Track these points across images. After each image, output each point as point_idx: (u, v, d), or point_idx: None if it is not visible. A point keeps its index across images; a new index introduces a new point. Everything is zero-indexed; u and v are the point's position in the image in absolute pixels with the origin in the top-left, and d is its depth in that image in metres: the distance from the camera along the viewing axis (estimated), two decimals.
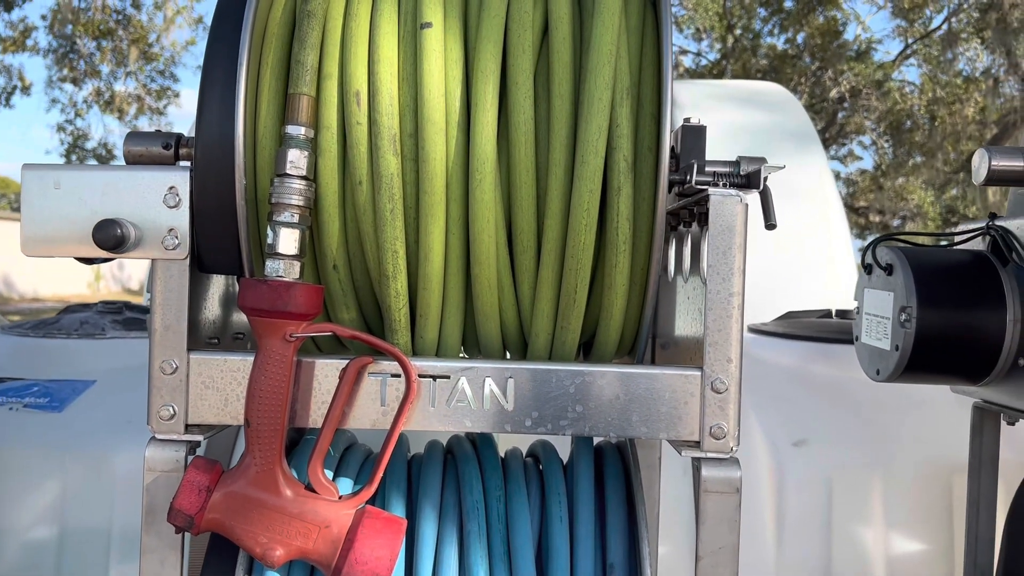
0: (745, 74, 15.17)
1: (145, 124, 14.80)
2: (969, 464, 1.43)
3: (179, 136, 1.06)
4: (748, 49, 15.41)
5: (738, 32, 15.40)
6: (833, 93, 14.40)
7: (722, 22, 15.07)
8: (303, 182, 0.94)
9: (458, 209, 0.97)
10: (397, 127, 0.95)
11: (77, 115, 14.73)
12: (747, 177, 1.02)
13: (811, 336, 2.07)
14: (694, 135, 1.05)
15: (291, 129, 0.95)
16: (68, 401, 1.82)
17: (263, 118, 0.98)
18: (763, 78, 15.05)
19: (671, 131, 1.00)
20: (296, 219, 0.94)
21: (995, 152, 1.21)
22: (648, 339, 1.09)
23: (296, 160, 0.94)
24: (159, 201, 0.98)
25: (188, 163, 1.04)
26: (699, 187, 1.00)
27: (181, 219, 0.98)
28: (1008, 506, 1.38)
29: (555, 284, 1.00)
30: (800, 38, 14.98)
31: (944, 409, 1.72)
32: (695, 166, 1.01)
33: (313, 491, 0.96)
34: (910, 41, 14.45)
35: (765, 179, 1.03)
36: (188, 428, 0.99)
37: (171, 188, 0.98)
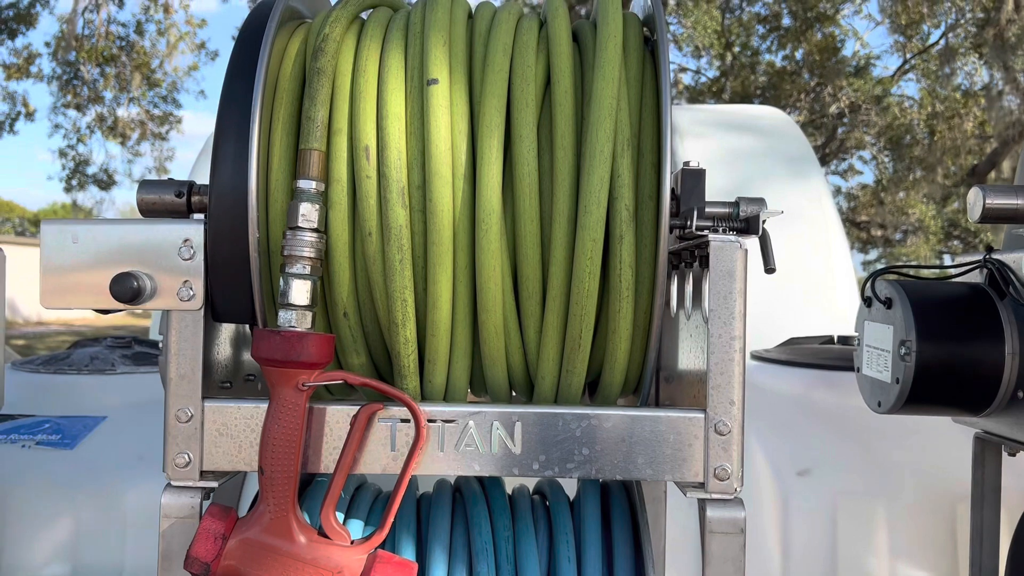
0: (744, 91, 15.25)
1: (147, 149, 14.90)
2: (972, 494, 1.45)
3: (191, 184, 1.09)
4: (747, 66, 15.50)
5: (736, 50, 15.49)
6: (832, 109, 14.46)
7: (720, 40, 15.16)
8: (314, 234, 0.97)
9: (465, 258, 1.00)
10: (405, 180, 0.98)
11: (80, 141, 14.83)
12: (746, 222, 1.05)
13: (814, 363, 2.09)
14: (694, 178, 1.08)
15: (302, 183, 0.97)
16: (80, 438, 1.84)
17: (275, 172, 1.01)
18: (762, 94, 15.14)
19: (671, 176, 1.03)
20: (308, 270, 0.97)
21: (989, 191, 1.23)
22: (652, 378, 1.12)
23: (307, 213, 0.97)
24: (174, 253, 1.01)
25: (201, 215, 1.07)
26: (699, 232, 1.03)
27: (196, 271, 1.01)
28: (1011, 535, 1.39)
29: (560, 329, 1.02)
30: (799, 54, 15.07)
31: (948, 437, 1.73)
32: (695, 211, 1.04)
33: (326, 536, 0.97)
34: (908, 56, 14.53)
35: (763, 223, 1.05)
36: (203, 475, 1.01)
37: (186, 240, 1.01)
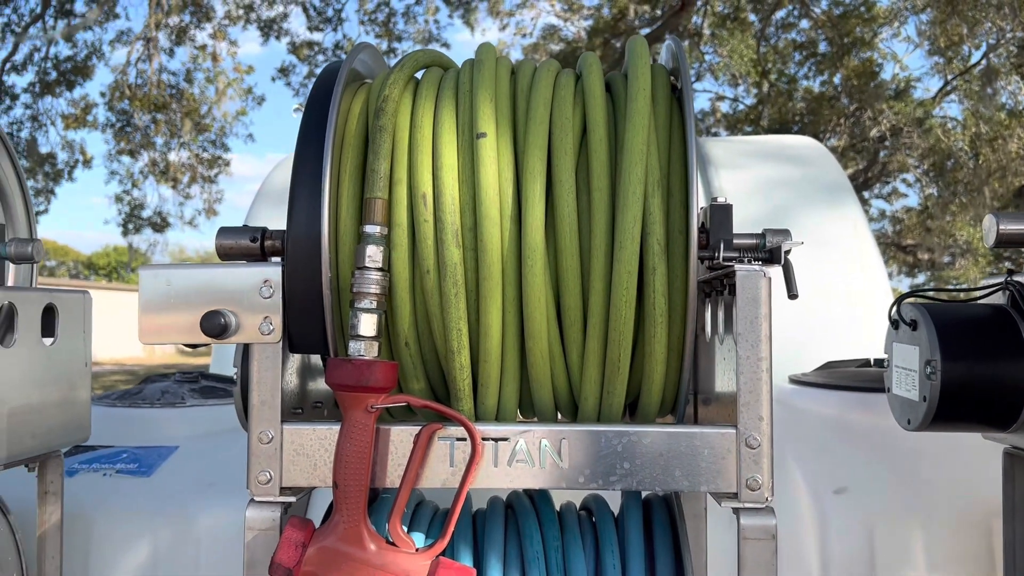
0: (781, 118, 15.24)
1: (198, 192, 15.40)
2: (1003, 508, 1.50)
3: (264, 230, 1.22)
4: (784, 93, 15.50)
5: (773, 77, 15.53)
6: (873, 132, 14.37)
7: (757, 68, 15.22)
8: (379, 273, 1.09)
9: (513, 291, 1.11)
10: (459, 223, 1.10)
11: (134, 186, 15.39)
12: (770, 252, 1.14)
13: (850, 386, 2.15)
14: (721, 213, 1.18)
15: (368, 228, 1.10)
16: (155, 466, 1.98)
17: (344, 219, 1.13)
18: (800, 120, 15.12)
19: (699, 213, 1.13)
20: (374, 305, 1.09)
21: (1003, 217, 1.31)
22: (687, 399, 1.21)
23: (373, 255, 1.09)
24: (256, 293, 1.13)
25: (278, 258, 1.20)
26: (726, 263, 1.13)
27: (275, 308, 1.13)
28: None
29: (600, 354, 1.12)
30: (837, 79, 15.03)
31: (982, 453, 1.78)
32: (722, 243, 1.14)
33: (393, 545, 1.08)
34: (950, 78, 14.40)
35: (787, 254, 1.15)
36: (282, 491, 1.13)
37: (266, 281, 1.13)
